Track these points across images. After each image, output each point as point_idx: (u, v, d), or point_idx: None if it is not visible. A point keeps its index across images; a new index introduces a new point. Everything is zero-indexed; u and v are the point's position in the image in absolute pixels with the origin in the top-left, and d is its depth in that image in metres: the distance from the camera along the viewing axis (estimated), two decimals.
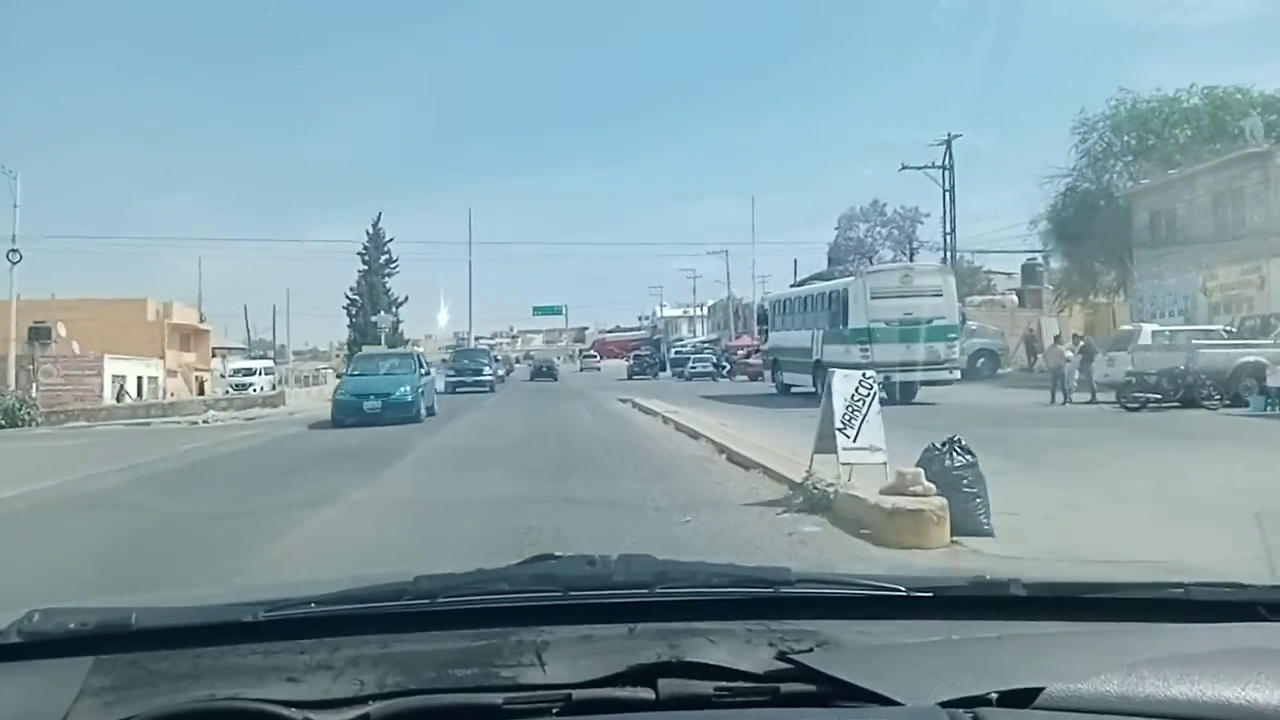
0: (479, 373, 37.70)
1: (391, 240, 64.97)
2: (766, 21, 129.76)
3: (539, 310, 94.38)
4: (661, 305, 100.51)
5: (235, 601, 1.54)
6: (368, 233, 65.84)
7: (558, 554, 1.67)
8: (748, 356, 46.98)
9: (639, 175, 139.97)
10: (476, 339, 71.26)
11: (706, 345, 60.23)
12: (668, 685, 1.18)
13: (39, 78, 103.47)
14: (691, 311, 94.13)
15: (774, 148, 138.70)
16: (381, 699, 1.16)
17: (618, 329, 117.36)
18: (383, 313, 54.40)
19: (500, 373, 46.26)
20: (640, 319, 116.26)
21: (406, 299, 64.71)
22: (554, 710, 1.17)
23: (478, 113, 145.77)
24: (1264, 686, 1.15)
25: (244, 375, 46.38)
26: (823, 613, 1.46)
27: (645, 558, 1.60)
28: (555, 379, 49.36)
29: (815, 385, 23.33)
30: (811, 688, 1.19)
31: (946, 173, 38.76)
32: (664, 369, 54.69)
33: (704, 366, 49.58)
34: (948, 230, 38.80)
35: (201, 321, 61.64)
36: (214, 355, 54.19)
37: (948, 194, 38.77)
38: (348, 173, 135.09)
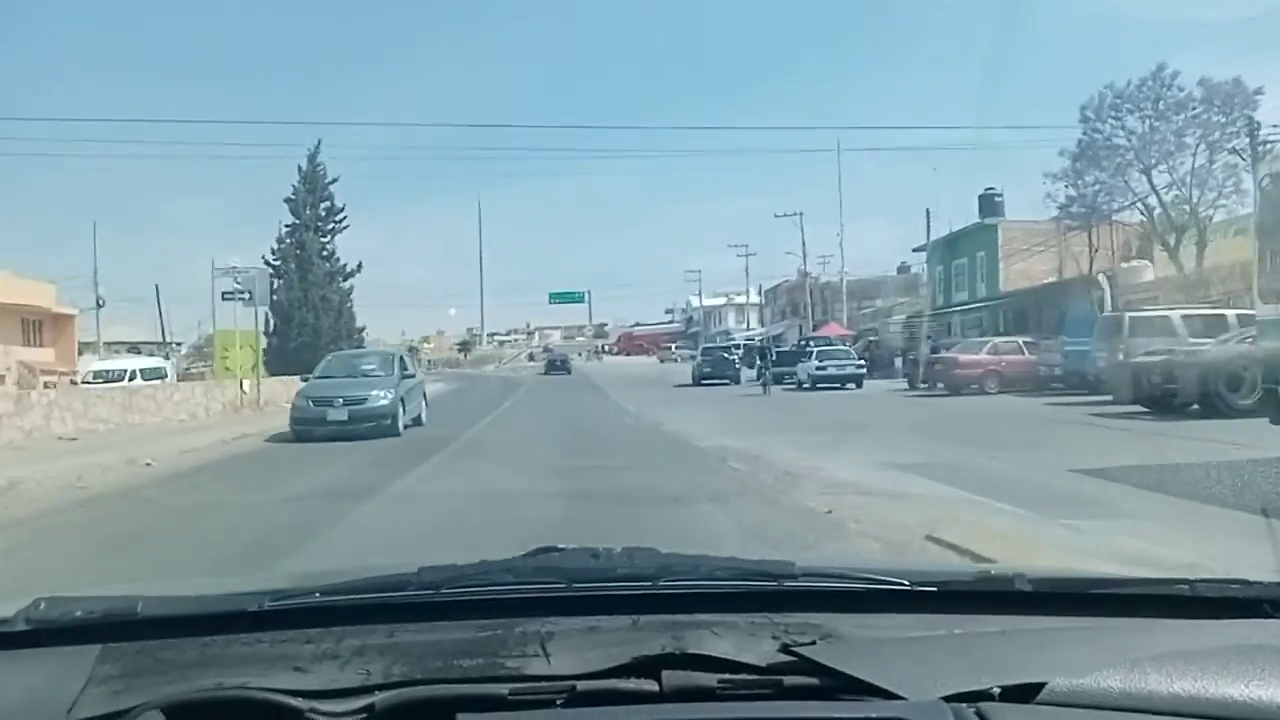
0: None
1: (335, 182, 44.10)
2: None
3: (556, 297, 78.79)
4: (700, 294, 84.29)
5: (239, 591, 1.52)
6: (300, 168, 43.70)
7: (561, 546, 1.61)
8: (930, 351, 30.56)
9: (662, 169, 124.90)
10: (489, 334, 53.95)
11: (820, 340, 42.60)
12: (671, 677, 1.18)
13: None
14: (741, 298, 77.46)
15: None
16: (387, 689, 1.16)
17: (638, 324, 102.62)
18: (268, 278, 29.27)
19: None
20: (667, 311, 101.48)
21: (360, 267, 44.93)
22: (558, 701, 1.16)
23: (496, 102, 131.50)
24: (1267, 683, 1.14)
25: (108, 380, 29.34)
26: (826, 606, 1.43)
27: (649, 551, 1.57)
28: (569, 373, 50.58)
29: None
30: (814, 680, 1.19)
31: None
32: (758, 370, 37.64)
33: (839, 368, 32.91)
34: None
35: (101, 306, 45.20)
36: (118, 352, 38.17)
37: None
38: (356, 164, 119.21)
